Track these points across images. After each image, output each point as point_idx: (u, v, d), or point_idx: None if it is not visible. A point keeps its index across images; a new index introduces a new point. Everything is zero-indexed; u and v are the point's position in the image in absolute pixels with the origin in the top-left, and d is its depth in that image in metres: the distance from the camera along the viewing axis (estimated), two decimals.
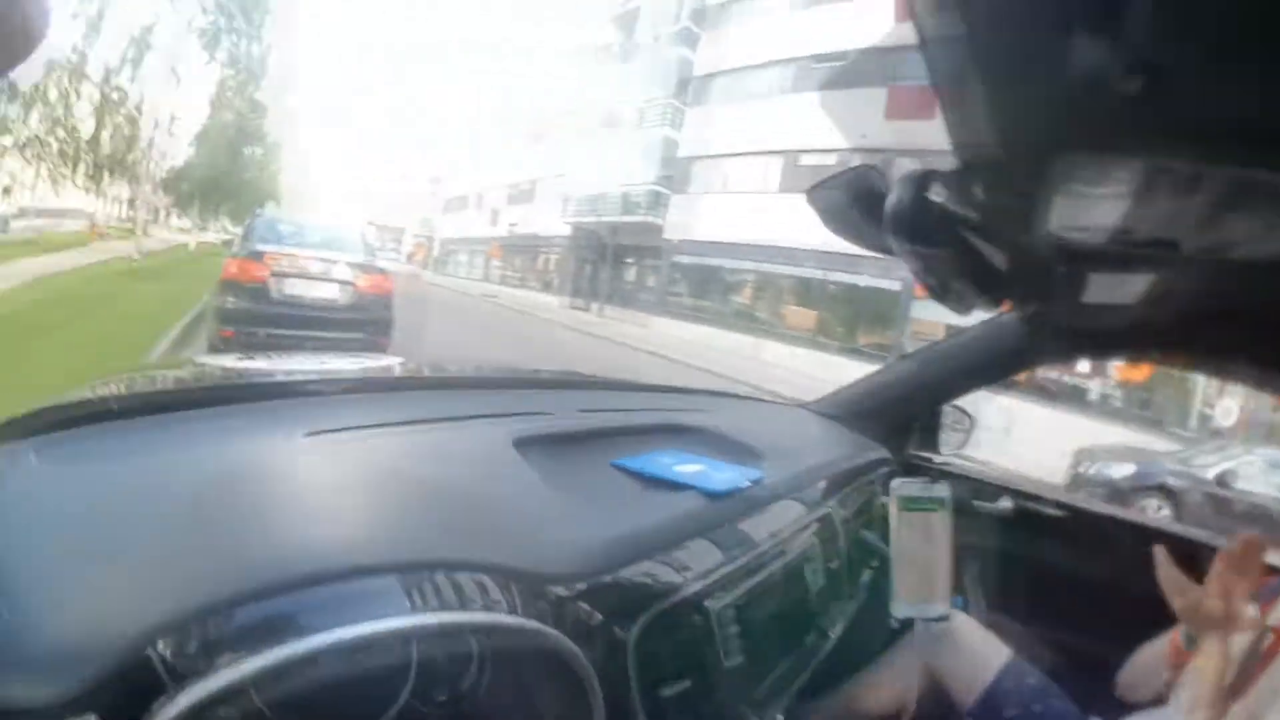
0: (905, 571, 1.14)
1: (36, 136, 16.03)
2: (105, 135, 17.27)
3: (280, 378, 1.24)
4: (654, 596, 0.78)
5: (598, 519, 0.82)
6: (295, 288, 5.97)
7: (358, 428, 0.85)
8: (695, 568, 0.86)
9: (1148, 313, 1.14)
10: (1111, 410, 12.31)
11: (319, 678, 0.50)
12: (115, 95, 17.27)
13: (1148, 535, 1.33)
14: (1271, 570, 1.00)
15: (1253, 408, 10.58)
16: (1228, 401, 10.89)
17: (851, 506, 1.36)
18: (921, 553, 1.14)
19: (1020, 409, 8.95)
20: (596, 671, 0.66)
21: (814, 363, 16.26)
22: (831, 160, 17.16)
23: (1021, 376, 1.62)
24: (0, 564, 0.52)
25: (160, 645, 0.46)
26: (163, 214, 30.38)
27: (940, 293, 1.07)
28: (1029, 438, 8.29)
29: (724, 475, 1.01)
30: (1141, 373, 11.54)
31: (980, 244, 0.91)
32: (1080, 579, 1.56)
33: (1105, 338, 1.48)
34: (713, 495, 0.96)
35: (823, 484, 1.31)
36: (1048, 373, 12.37)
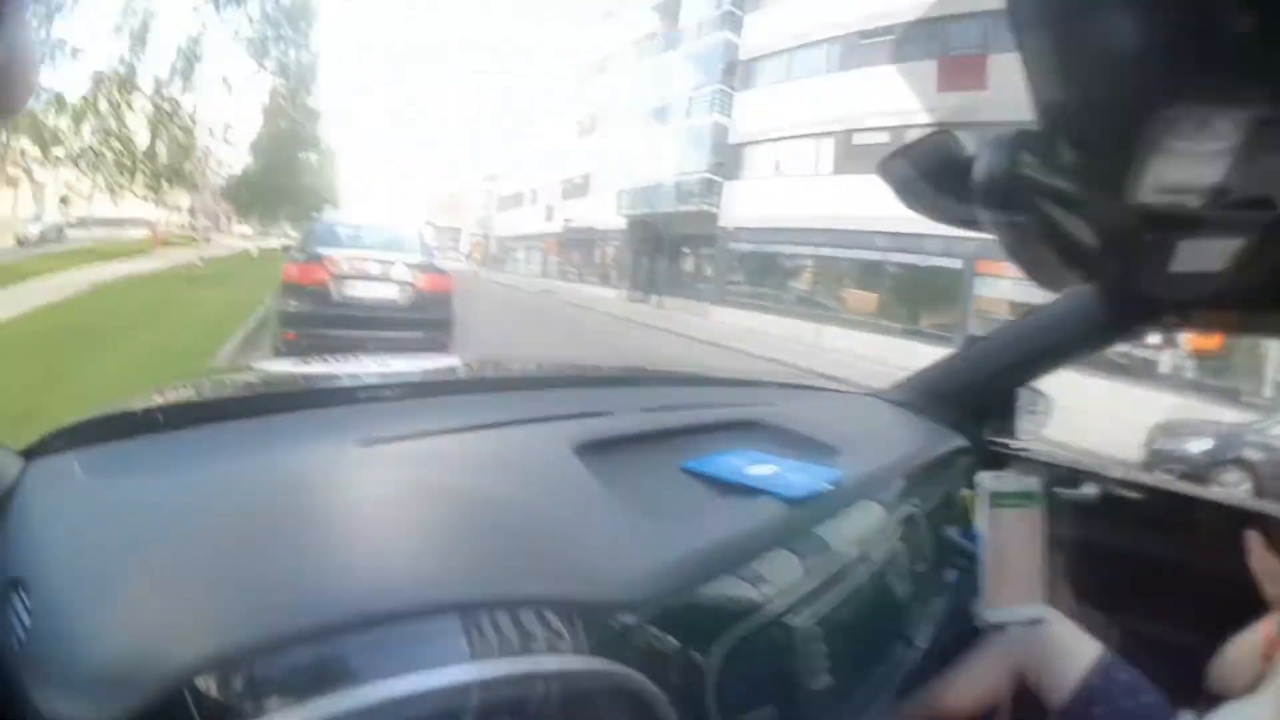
0: (997, 572, 1.10)
1: (91, 148, 16.56)
2: (161, 146, 17.79)
3: (334, 383, 1.23)
4: (732, 617, 0.73)
5: (668, 533, 0.77)
6: (355, 289, 6.07)
7: (412, 436, 0.83)
8: (775, 582, 0.81)
9: (1239, 279, 1.04)
10: (1184, 382, 11.82)
11: None
12: (167, 106, 17.78)
13: (1237, 517, 1.29)
14: None
15: None
16: None
17: (934, 501, 1.28)
18: (1014, 551, 1.11)
19: (1090, 385, 8.56)
20: (673, 704, 0.62)
21: (876, 346, 16.04)
22: (884, 138, 16.94)
23: None
24: (43, 579, 0.52)
25: (202, 683, 0.45)
26: (224, 221, 31.36)
27: (1031, 268, 0.99)
28: (1101, 415, 7.98)
29: (800, 477, 0.95)
30: (1213, 342, 11.06)
31: (1073, 212, 0.84)
32: (1168, 565, 1.49)
33: (1191, 308, 1.39)
34: (790, 501, 0.90)
35: (904, 479, 1.24)
36: (1117, 346, 11.85)
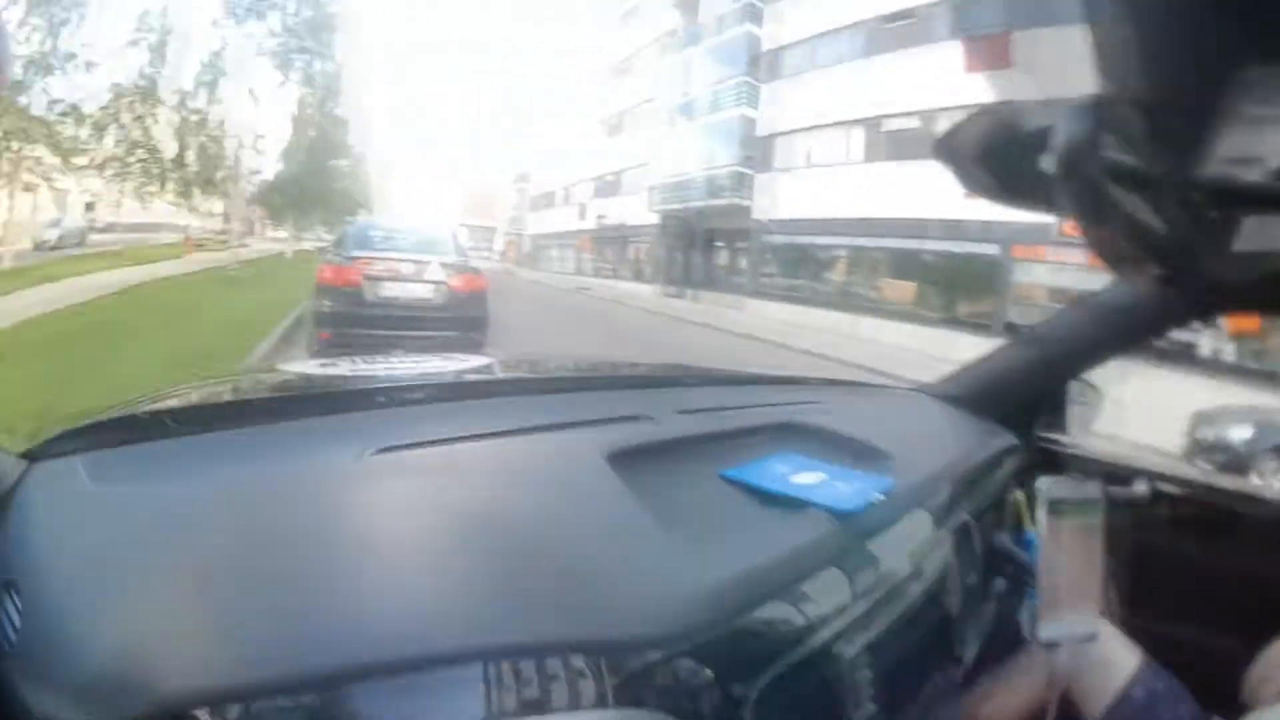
0: (1054, 587, 1.03)
1: (116, 157, 16.85)
2: (190, 155, 18.07)
3: (353, 386, 1.21)
4: (776, 646, 0.67)
5: (710, 554, 0.70)
6: (389, 290, 6.14)
7: (434, 442, 0.80)
8: (822, 606, 0.74)
9: None
10: (1225, 367, 11.37)
11: None
12: (194, 118, 18.07)
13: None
14: None
15: None
16: None
17: (984, 505, 1.22)
18: (1073, 564, 1.03)
19: (1127, 371, 8.20)
20: None
21: (914, 336, 15.90)
22: (915, 124, 16.78)
23: None
24: (34, 582, 0.52)
25: (190, 714, 0.43)
26: (258, 225, 31.85)
27: (1110, 252, 0.92)
28: (1139, 402, 7.70)
29: (850, 486, 0.89)
30: (1253, 324, 10.72)
31: (1151, 191, 0.75)
32: (1209, 567, 1.44)
33: (1254, 291, 1.30)
34: (841, 514, 0.83)
35: (956, 485, 1.16)
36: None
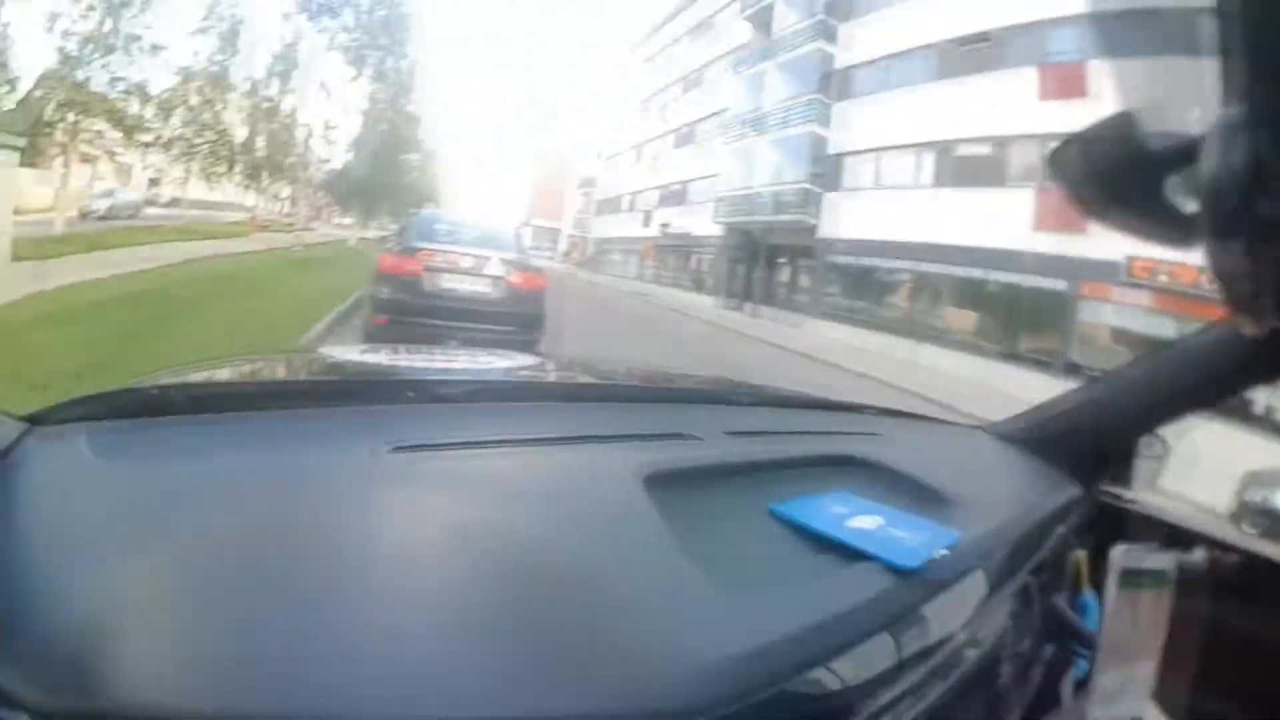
0: (1111, 663, 0.96)
1: (184, 137, 17.34)
2: (259, 140, 18.56)
3: (383, 377, 1.17)
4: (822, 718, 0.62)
5: (753, 607, 0.63)
6: (448, 281, 6.22)
7: (454, 445, 0.76)
8: (869, 672, 0.67)
9: None
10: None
11: None
12: (265, 105, 18.57)
13: None
14: None
15: None
16: None
17: (1044, 561, 1.13)
18: (1136, 641, 0.98)
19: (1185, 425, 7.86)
20: None
21: (974, 367, 15.59)
22: (986, 150, 16.46)
23: None
24: (10, 549, 0.50)
25: None
26: (324, 212, 32.66)
27: (1236, 298, 0.76)
28: (1191, 457, 7.36)
29: (912, 537, 0.81)
30: None
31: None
32: (1269, 645, 1.30)
33: None
34: (901, 571, 0.75)
35: (1019, 540, 1.07)
36: None
